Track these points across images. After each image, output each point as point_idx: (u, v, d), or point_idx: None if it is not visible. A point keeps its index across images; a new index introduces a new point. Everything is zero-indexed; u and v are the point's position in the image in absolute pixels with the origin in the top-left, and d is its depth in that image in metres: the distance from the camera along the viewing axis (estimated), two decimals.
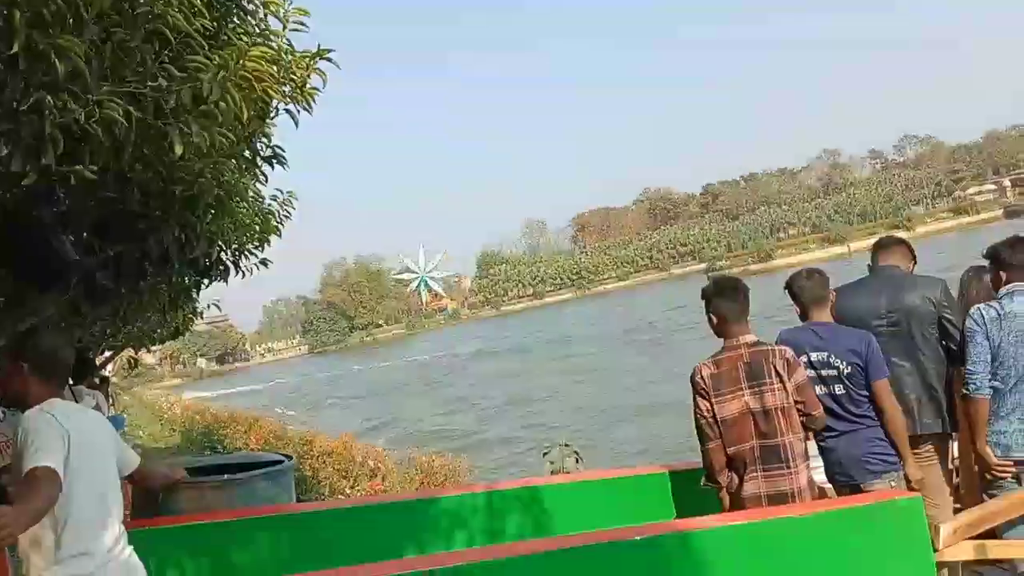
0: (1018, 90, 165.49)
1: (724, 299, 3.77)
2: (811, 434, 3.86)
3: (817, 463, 3.94)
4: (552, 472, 8.77)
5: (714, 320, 3.79)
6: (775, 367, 3.62)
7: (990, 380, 3.85)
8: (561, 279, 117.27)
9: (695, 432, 3.82)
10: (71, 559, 2.65)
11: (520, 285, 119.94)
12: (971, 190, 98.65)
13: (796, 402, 3.62)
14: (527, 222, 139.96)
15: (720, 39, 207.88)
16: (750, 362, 3.65)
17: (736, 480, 3.68)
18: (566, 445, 9.90)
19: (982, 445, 3.92)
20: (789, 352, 3.69)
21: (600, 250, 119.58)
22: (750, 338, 3.72)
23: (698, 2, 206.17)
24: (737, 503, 3.68)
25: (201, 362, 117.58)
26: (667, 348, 34.06)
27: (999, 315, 3.82)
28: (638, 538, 3.04)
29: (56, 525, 2.64)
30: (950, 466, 4.35)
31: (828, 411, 3.78)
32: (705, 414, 3.70)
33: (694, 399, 3.75)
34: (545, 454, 9.87)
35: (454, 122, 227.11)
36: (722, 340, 3.79)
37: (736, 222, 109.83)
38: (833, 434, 3.81)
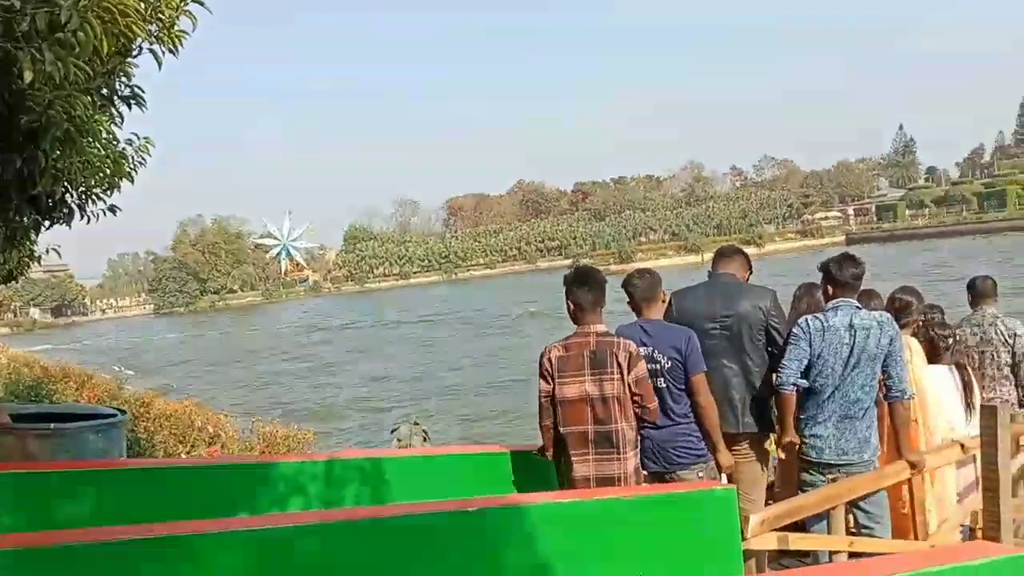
0: (867, 128, 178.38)
1: (581, 288, 3.93)
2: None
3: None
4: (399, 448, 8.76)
5: (571, 306, 3.95)
6: (618, 358, 3.81)
7: (806, 382, 4.18)
8: (429, 261, 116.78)
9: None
10: None
11: (387, 263, 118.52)
12: (818, 215, 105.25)
13: (633, 394, 3.81)
14: (400, 200, 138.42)
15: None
16: (596, 351, 3.83)
17: (569, 461, 3.85)
18: (416, 424, 9.91)
19: (789, 435, 4.27)
20: (633, 346, 3.88)
21: (471, 236, 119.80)
22: (600, 328, 3.90)
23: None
24: (568, 483, 3.85)
25: (34, 312, 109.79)
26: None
27: (823, 327, 4.14)
28: (471, 509, 3.13)
29: None
30: (769, 462, 4.70)
31: None
32: (545, 395, 3.87)
33: (539, 379, 3.91)
34: (393, 431, 9.84)
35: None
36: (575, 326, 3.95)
37: (603, 222, 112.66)
38: (652, 426, 4.02)
